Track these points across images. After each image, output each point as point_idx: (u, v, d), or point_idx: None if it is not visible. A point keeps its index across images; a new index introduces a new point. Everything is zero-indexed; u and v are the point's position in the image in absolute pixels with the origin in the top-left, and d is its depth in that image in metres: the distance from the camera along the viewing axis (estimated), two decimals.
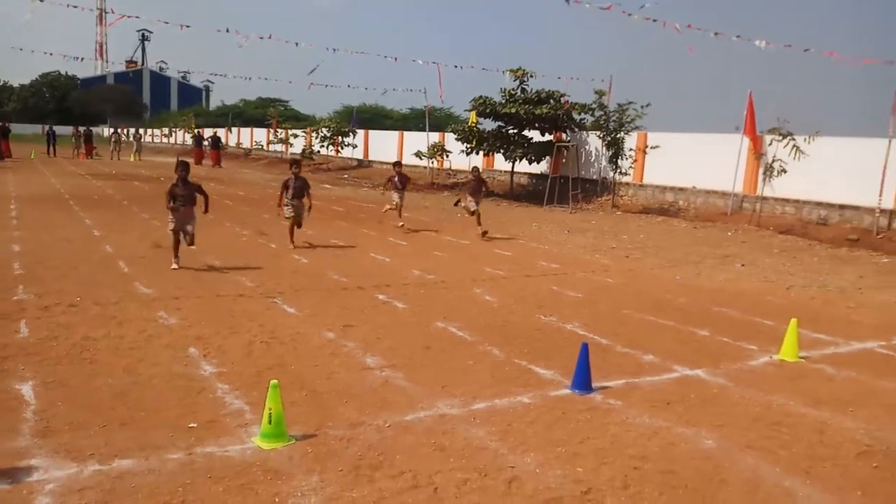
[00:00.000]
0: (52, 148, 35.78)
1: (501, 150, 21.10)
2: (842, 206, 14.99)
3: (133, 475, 3.32)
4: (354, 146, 33.12)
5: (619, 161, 19.05)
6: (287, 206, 10.19)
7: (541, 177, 21.97)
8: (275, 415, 3.73)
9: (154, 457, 3.52)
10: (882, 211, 14.12)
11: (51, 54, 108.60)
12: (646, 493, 3.41)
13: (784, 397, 4.88)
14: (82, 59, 56.38)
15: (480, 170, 13.13)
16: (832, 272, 10.32)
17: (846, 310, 7.95)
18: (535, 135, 21.24)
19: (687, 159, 18.24)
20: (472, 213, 12.50)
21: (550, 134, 21.30)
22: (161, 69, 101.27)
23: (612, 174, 19.68)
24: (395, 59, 46.01)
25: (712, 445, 4.01)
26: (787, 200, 15.98)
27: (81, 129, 37.77)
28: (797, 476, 3.69)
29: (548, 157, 21.04)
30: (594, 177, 20.91)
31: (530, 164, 21.38)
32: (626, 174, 19.42)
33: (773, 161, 15.59)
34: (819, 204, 15.32)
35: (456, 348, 5.71)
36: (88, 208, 13.85)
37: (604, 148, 19.64)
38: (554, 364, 5.34)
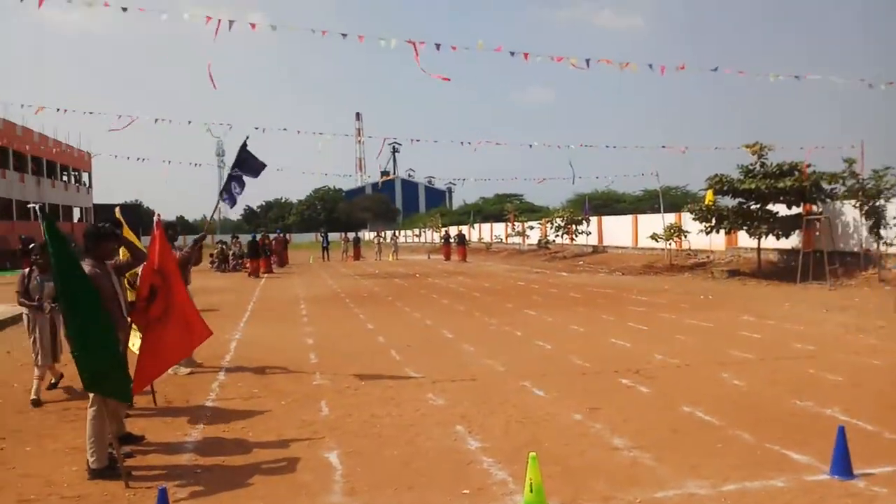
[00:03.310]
0: (325, 253, 41.17)
1: (744, 227, 20.31)
2: None
3: None
4: (588, 233, 33.75)
5: (882, 231, 17.35)
6: None
7: (791, 252, 20.62)
8: (535, 485, 4.24)
9: None
10: None
11: (325, 174, 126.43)
12: None
13: None
14: (350, 175, 65.03)
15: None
16: None
17: None
18: (780, 208, 20.16)
19: None
20: None
21: (797, 207, 20.07)
22: (410, 176, 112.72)
23: (874, 245, 17.92)
24: (624, 147, 46.45)
25: None
26: None
27: (350, 235, 43.20)
28: None
29: (797, 231, 19.78)
30: (854, 249, 19.14)
31: (777, 239, 20.23)
32: (891, 245, 17.57)
33: None
34: None
35: (703, 431, 5.82)
36: (360, 304, 15.91)
37: (862, 217, 18.04)
38: (810, 449, 5.22)
